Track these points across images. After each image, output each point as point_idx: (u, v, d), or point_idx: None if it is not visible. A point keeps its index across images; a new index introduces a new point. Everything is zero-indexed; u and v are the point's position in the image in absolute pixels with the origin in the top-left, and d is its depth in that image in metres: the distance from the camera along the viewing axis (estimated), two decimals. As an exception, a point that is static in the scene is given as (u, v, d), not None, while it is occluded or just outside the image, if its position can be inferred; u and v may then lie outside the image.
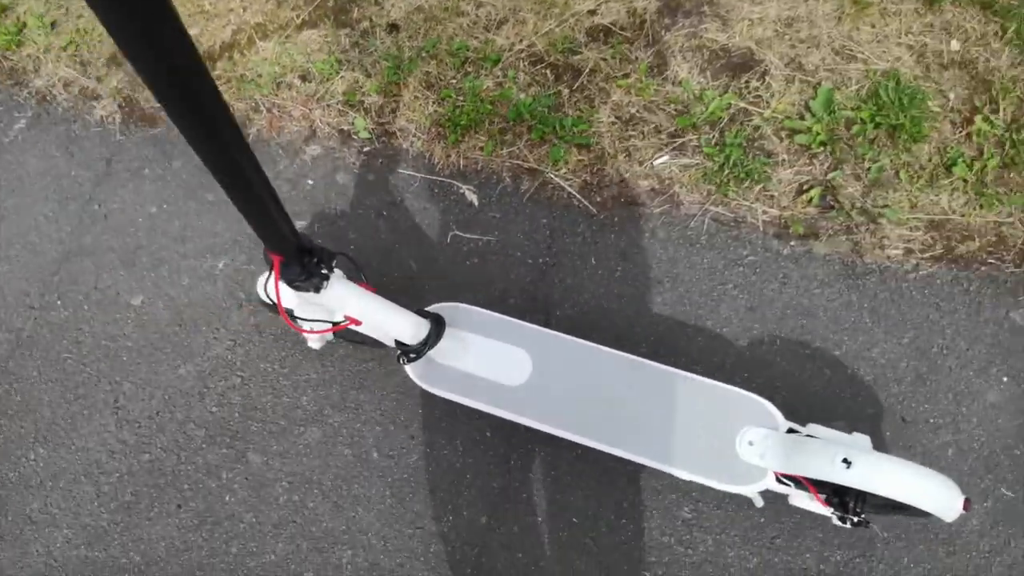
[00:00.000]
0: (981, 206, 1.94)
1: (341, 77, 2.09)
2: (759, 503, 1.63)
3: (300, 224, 1.97)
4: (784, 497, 1.63)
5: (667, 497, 1.76)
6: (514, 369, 1.71)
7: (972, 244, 1.92)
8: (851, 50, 2.06)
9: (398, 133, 2.04)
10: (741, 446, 1.60)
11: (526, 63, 2.08)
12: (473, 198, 1.97)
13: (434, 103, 2.04)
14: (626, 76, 2.06)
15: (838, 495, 1.53)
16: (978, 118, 1.99)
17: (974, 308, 1.87)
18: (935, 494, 1.40)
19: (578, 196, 1.97)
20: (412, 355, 1.67)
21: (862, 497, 1.50)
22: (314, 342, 1.71)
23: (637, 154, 1.99)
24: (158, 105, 1.18)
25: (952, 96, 2.04)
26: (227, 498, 1.80)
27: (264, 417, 1.85)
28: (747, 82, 2.04)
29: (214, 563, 1.76)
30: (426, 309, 1.72)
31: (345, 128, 2.06)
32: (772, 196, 1.95)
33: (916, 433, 1.77)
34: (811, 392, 1.78)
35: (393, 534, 1.75)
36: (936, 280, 1.89)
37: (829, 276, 1.90)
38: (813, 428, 1.60)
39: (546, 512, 1.75)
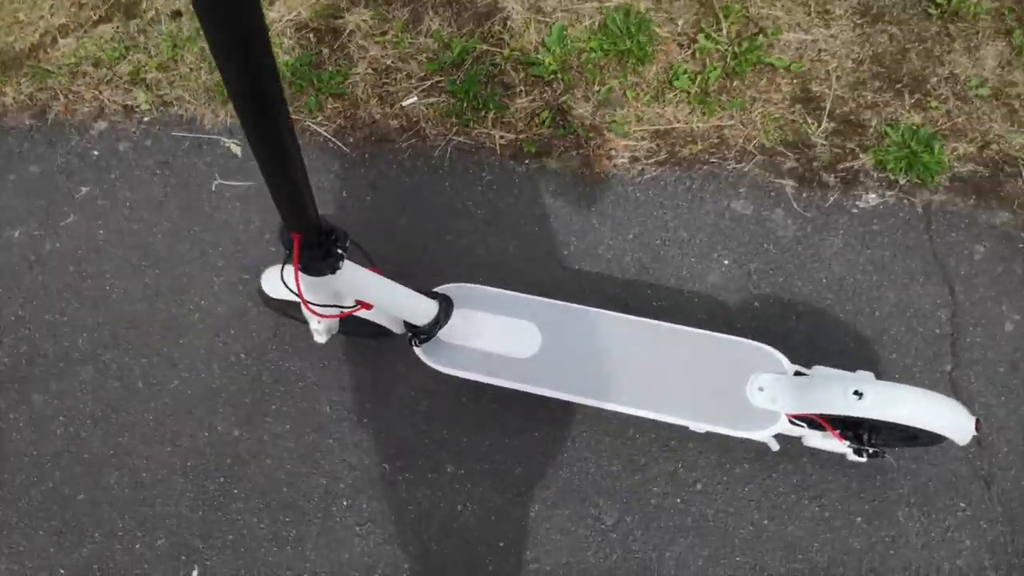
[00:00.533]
0: (704, 113, 2.09)
1: (127, 60, 2.29)
2: (775, 447, 1.66)
3: (84, 190, 2.15)
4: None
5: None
6: (524, 342, 1.75)
7: (695, 147, 2.07)
8: (586, -8, 2.25)
9: (175, 102, 2.23)
10: (752, 393, 1.63)
11: (292, 31, 2.28)
12: (237, 150, 2.15)
13: (207, 72, 2.24)
14: (384, 33, 2.25)
15: (851, 429, 1.58)
16: (700, 36, 2.16)
17: (696, 202, 2.01)
18: (948, 417, 1.44)
19: (332, 139, 2.14)
20: (423, 336, 1.70)
21: (875, 428, 1.55)
22: (321, 335, 1.67)
23: (389, 98, 2.17)
24: None
25: (680, 22, 2.21)
26: (13, 436, 1.94)
27: (46, 362, 1.99)
28: (490, 27, 2.22)
29: (2, 495, 1.88)
30: (434, 290, 1.74)
31: (129, 103, 2.25)
32: (509, 123, 2.11)
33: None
34: (540, 288, 1.89)
35: (154, 453, 1.87)
36: (660, 182, 2.03)
37: (560, 188, 2.04)
38: (819, 369, 1.66)
39: (295, 419, 1.88)
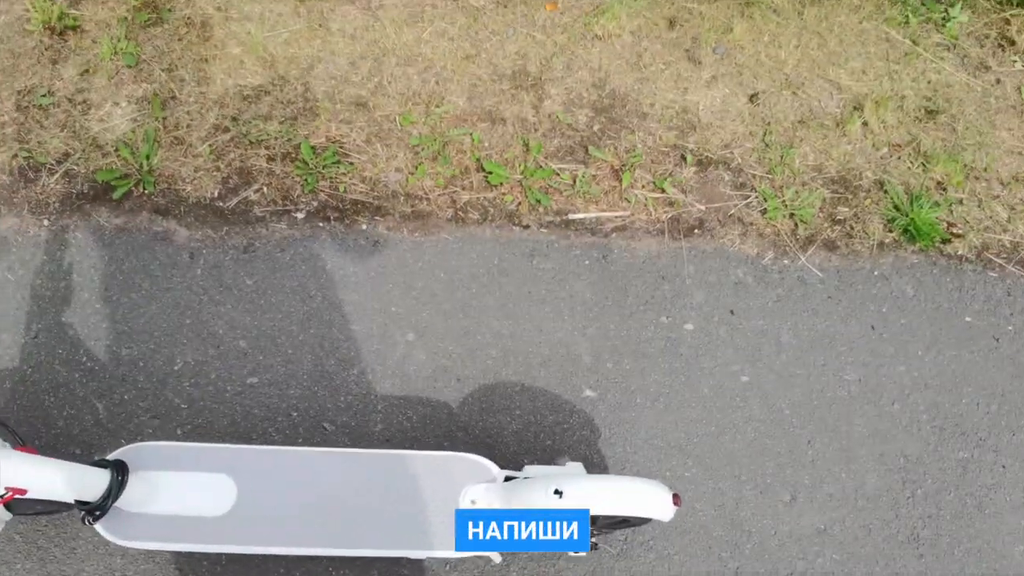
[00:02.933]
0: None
1: None
2: (497, 560, 1.72)
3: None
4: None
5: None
6: (217, 497, 1.61)
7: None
8: None
9: None
10: (465, 506, 1.63)
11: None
12: None
13: None
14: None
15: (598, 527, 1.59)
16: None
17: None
18: (644, 500, 1.49)
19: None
20: (97, 512, 1.52)
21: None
22: None
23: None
24: None
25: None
26: None
27: None
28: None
29: None
30: (106, 458, 1.60)
31: None
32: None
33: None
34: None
35: None
36: None
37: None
38: (529, 469, 1.69)
39: None
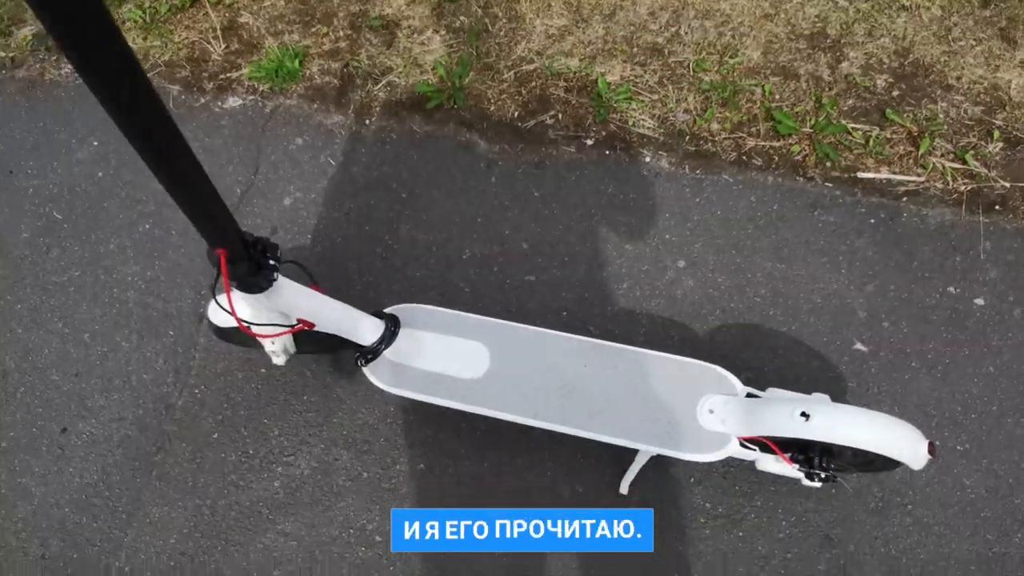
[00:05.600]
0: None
1: None
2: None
3: None
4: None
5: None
6: (472, 362, 1.71)
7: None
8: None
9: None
10: (702, 415, 1.61)
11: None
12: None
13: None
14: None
15: (803, 453, 1.53)
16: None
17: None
18: (900, 440, 1.40)
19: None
20: (369, 356, 1.68)
21: (828, 452, 1.51)
22: (279, 357, 1.70)
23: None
24: None
25: None
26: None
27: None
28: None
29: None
30: (382, 311, 1.75)
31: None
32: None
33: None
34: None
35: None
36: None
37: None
38: (772, 392, 1.66)
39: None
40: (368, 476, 1.95)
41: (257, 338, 1.57)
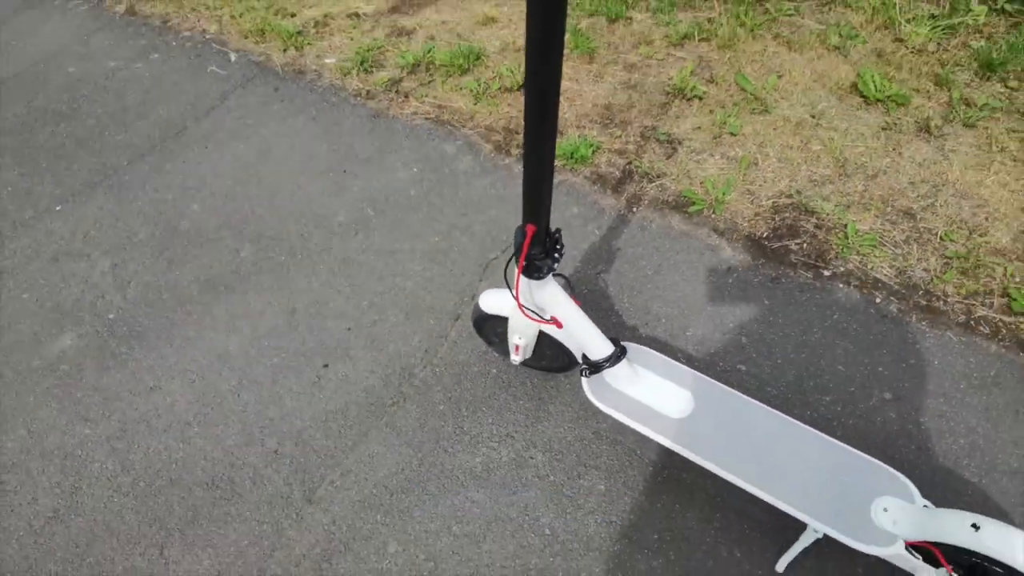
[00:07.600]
0: None
1: None
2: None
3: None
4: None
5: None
6: (677, 406, 1.92)
7: None
8: None
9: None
10: (876, 512, 1.72)
11: None
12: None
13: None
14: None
15: (964, 568, 1.57)
16: None
17: None
18: None
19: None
20: (592, 370, 1.93)
21: (988, 573, 1.52)
22: (516, 356, 2.08)
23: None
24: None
25: None
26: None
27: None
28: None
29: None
30: (616, 338, 1.99)
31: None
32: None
33: None
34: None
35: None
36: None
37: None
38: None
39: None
40: (554, 480, 2.26)
41: (508, 331, 1.96)
